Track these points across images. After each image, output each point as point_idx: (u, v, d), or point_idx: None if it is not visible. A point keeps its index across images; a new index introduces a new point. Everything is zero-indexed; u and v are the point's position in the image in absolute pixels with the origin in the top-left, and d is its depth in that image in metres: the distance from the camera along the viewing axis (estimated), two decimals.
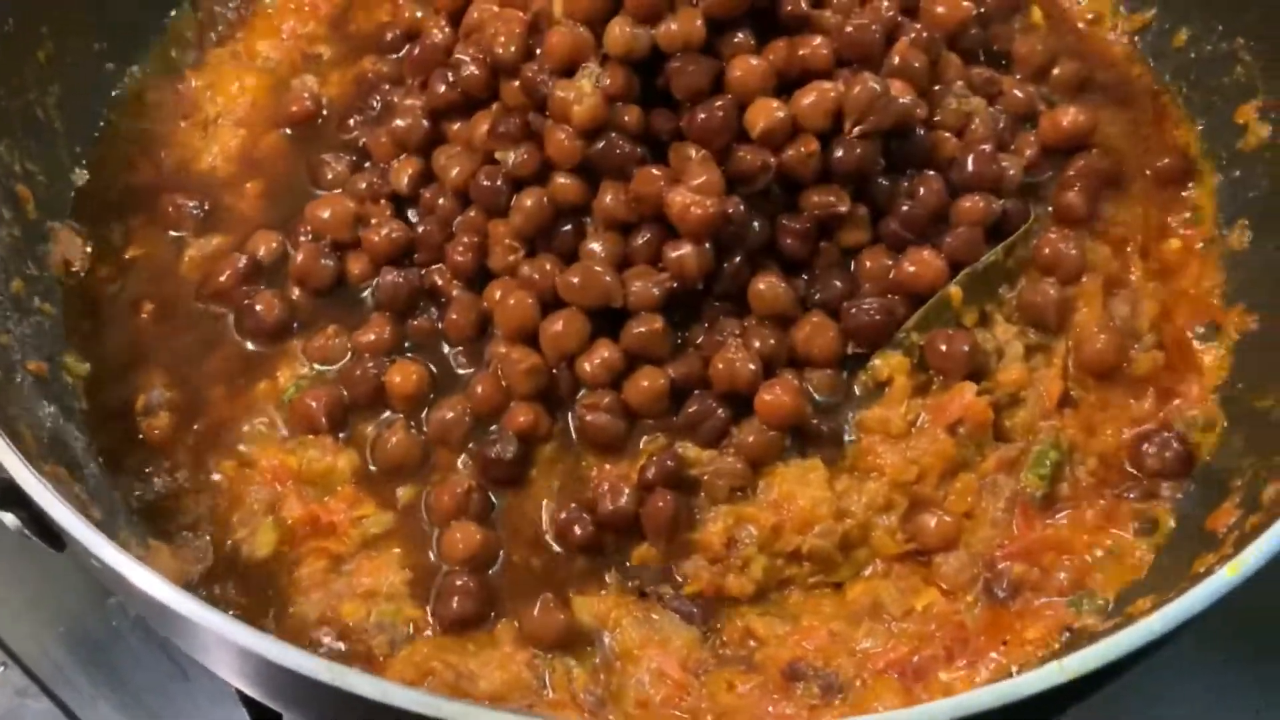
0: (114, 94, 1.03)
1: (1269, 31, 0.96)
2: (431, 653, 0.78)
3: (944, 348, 0.85)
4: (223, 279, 0.92)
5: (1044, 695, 0.60)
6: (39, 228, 0.93)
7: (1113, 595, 0.79)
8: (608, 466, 0.84)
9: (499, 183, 0.88)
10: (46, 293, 0.91)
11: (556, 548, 0.82)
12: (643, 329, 0.85)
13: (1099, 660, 0.59)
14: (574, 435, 0.86)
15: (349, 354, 0.89)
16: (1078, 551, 0.81)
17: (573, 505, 0.82)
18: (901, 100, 0.87)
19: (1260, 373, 0.86)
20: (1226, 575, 0.62)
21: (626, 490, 0.81)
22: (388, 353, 0.89)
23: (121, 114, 1.02)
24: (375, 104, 1.01)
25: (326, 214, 0.93)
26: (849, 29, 0.88)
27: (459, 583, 0.80)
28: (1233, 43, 0.98)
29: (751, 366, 0.83)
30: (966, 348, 0.85)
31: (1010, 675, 0.69)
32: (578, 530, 0.81)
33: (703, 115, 0.84)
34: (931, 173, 0.89)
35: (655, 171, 0.85)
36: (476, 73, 0.90)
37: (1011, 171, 0.92)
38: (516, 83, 0.88)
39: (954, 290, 0.86)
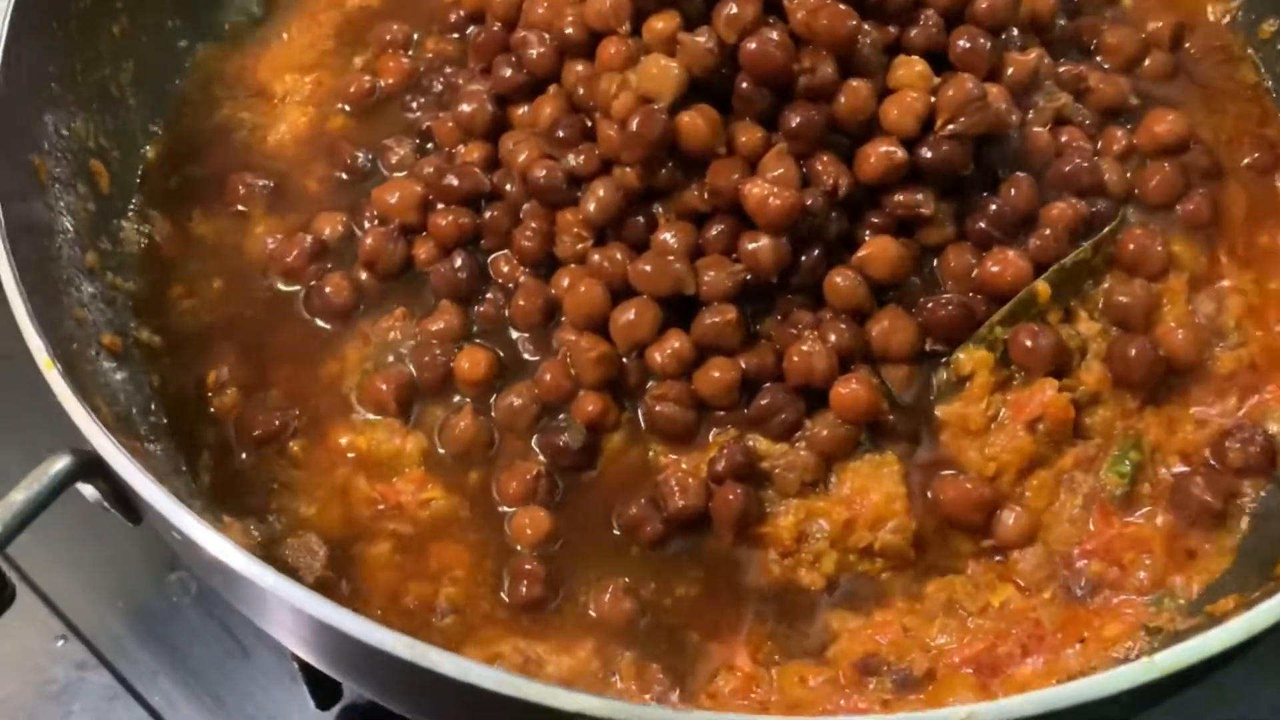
0: (185, 69, 1.03)
1: None
2: (500, 635, 0.78)
3: (1029, 343, 0.84)
4: (289, 259, 0.92)
5: (1131, 693, 0.59)
6: (113, 203, 0.94)
7: (1195, 594, 0.78)
8: (676, 458, 0.84)
9: (559, 178, 0.87)
10: (120, 267, 0.91)
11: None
12: (715, 319, 0.84)
13: (1192, 657, 0.59)
14: (643, 425, 0.85)
15: (417, 338, 0.89)
16: (1158, 550, 0.80)
17: (642, 501, 0.81)
18: (997, 106, 0.86)
19: None
20: None
21: (695, 486, 0.81)
22: (456, 339, 0.88)
23: (192, 90, 1.03)
24: (437, 85, 1.01)
25: (394, 198, 0.93)
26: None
27: (528, 567, 0.79)
28: None
29: (827, 360, 0.82)
30: (1052, 344, 0.83)
31: (1088, 673, 0.67)
32: (648, 528, 0.81)
33: (801, 118, 0.84)
34: (1023, 174, 0.88)
35: (731, 163, 0.84)
36: (542, 52, 0.90)
37: (1111, 176, 0.91)
38: (579, 66, 0.88)
39: (1041, 286, 0.85)
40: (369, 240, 0.91)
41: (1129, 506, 0.82)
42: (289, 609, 0.62)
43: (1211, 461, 0.83)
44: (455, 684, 0.59)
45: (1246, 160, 0.96)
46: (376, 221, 0.93)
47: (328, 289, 0.90)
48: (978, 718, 0.57)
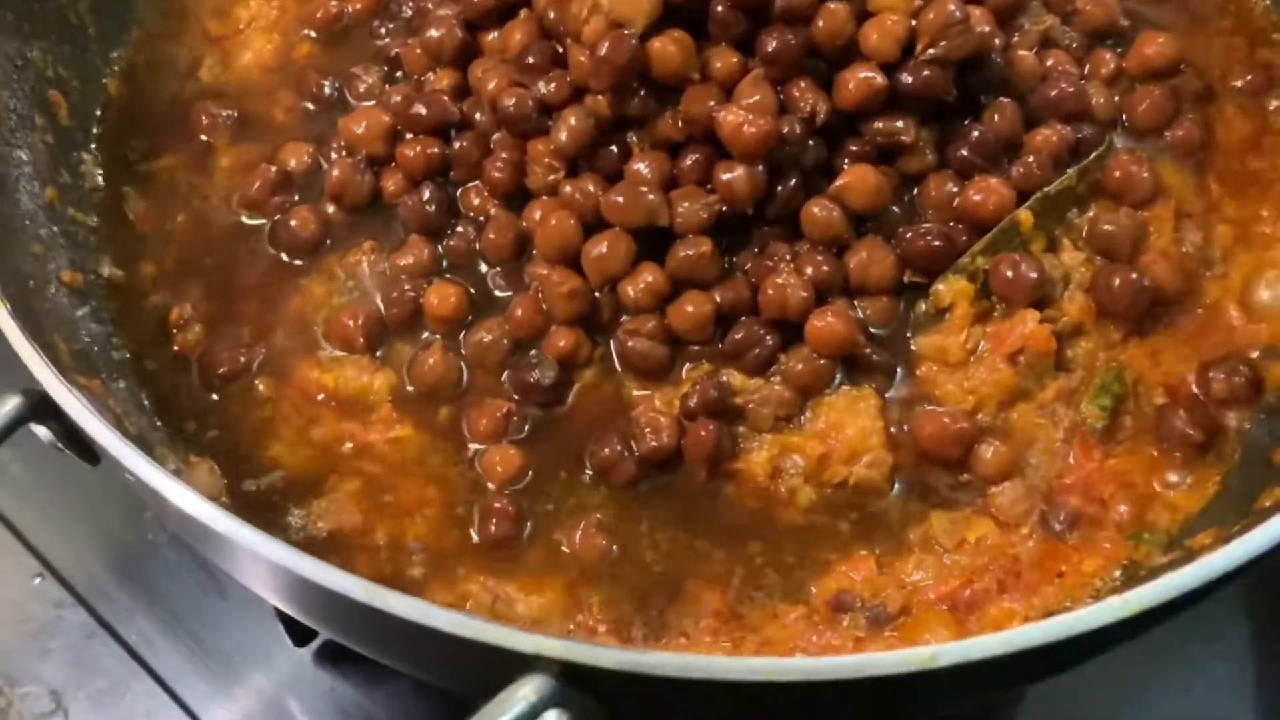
0: None
1: None
2: (469, 574, 0.77)
3: (1010, 274, 0.82)
4: (253, 190, 0.90)
5: (1104, 630, 0.57)
6: (72, 136, 0.91)
7: (1175, 529, 0.76)
8: (649, 394, 0.82)
9: (529, 107, 0.85)
10: (80, 202, 0.89)
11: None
12: (690, 252, 0.82)
13: (1163, 595, 0.57)
14: (616, 361, 0.83)
15: (386, 272, 0.87)
16: (1138, 485, 0.78)
17: (614, 441, 0.79)
18: (980, 29, 0.84)
19: None
20: None
21: (668, 425, 0.79)
22: (426, 274, 0.86)
23: (152, 18, 1.00)
24: (407, 10, 0.98)
25: (360, 128, 0.91)
26: None
27: (498, 505, 0.78)
28: None
29: (804, 293, 0.80)
30: (1034, 274, 0.81)
31: (1065, 609, 0.66)
32: (620, 469, 0.79)
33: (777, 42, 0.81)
34: (1006, 100, 0.86)
35: (706, 90, 0.82)
36: None
37: (1099, 101, 0.88)
38: None
39: (1024, 215, 0.83)
40: (335, 172, 0.89)
41: (1110, 440, 0.80)
42: (245, 551, 0.61)
43: (1196, 392, 0.81)
44: (412, 626, 0.57)
45: (1239, 83, 0.94)
46: (344, 153, 0.91)
47: (293, 222, 0.88)
48: (942, 658, 0.56)
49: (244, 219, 0.90)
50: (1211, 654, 0.96)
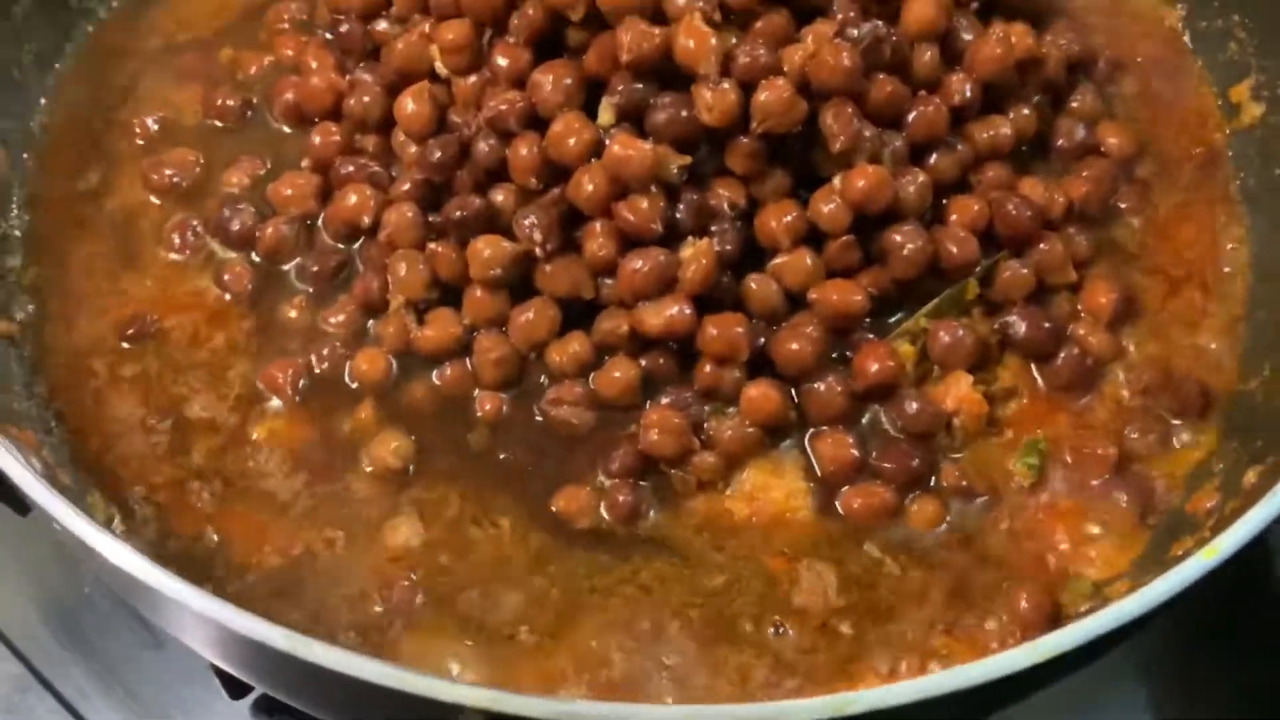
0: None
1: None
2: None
3: (947, 339, 0.84)
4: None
5: (1016, 677, 0.59)
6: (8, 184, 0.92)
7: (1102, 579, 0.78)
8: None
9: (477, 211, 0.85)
10: (11, 250, 0.90)
11: None
12: (612, 324, 0.83)
13: (1071, 643, 0.59)
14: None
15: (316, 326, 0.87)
16: (1064, 537, 0.80)
17: None
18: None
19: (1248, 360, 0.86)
20: (1203, 558, 0.62)
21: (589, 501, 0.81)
22: (355, 333, 0.87)
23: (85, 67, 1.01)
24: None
25: (289, 190, 0.91)
26: None
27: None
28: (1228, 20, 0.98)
29: (736, 374, 0.82)
30: (970, 342, 0.84)
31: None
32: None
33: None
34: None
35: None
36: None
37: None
38: None
39: (971, 284, 0.86)
40: (269, 230, 0.89)
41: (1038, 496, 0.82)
42: (175, 605, 0.61)
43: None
44: (337, 676, 0.58)
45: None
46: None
47: (226, 276, 0.89)
48: (854, 706, 0.57)
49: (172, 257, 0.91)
50: None
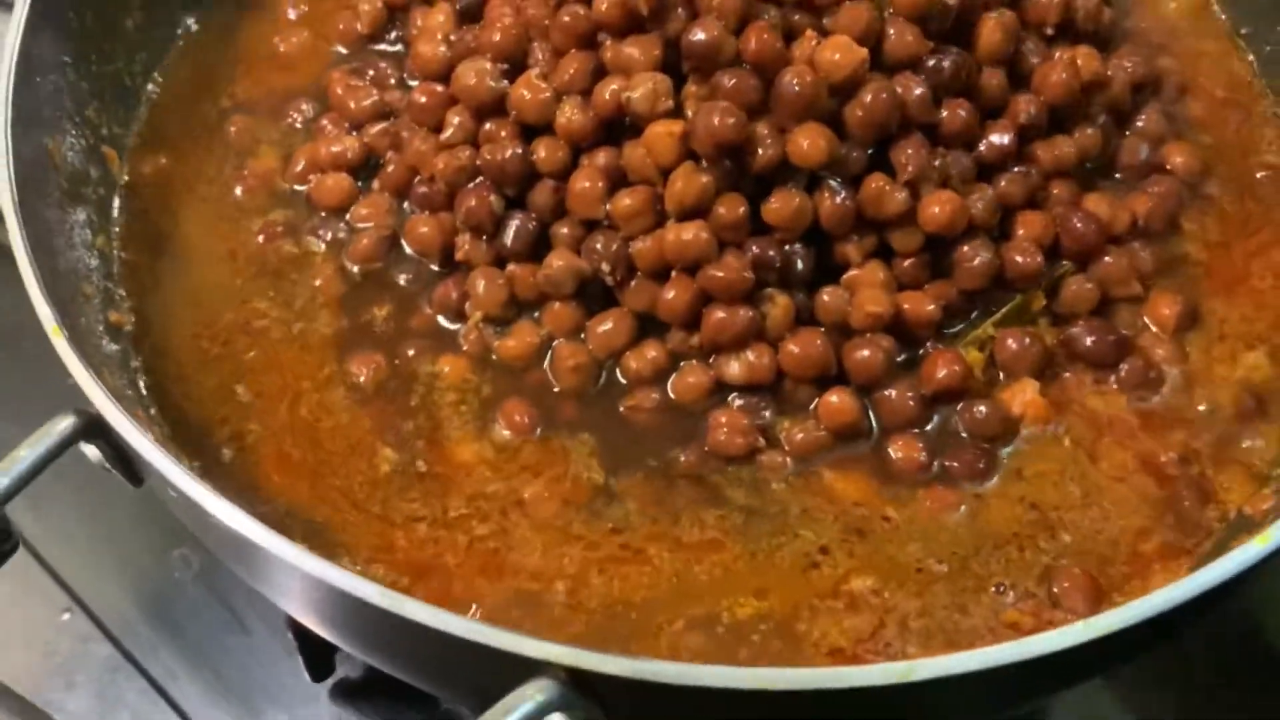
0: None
1: None
2: None
3: (1015, 347, 0.87)
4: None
5: (1068, 654, 0.62)
6: (121, 188, 0.97)
7: None
8: None
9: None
10: (126, 245, 0.94)
11: None
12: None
13: (1133, 618, 0.61)
14: None
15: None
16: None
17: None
18: None
19: None
20: (1257, 545, 0.64)
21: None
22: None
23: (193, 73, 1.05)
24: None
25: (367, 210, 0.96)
26: None
27: None
28: None
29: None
30: (1037, 350, 0.87)
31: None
32: None
33: None
34: None
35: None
36: None
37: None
38: None
39: (1037, 294, 0.89)
40: (364, 242, 0.93)
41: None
42: (279, 564, 0.65)
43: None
44: (429, 631, 0.62)
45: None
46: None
47: (317, 281, 0.93)
48: (917, 673, 0.60)
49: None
50: None
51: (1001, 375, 0.87)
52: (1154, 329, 0.90)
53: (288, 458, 0.84)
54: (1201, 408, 0.86)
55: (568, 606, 0.77)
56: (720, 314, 0.84)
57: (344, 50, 1.05)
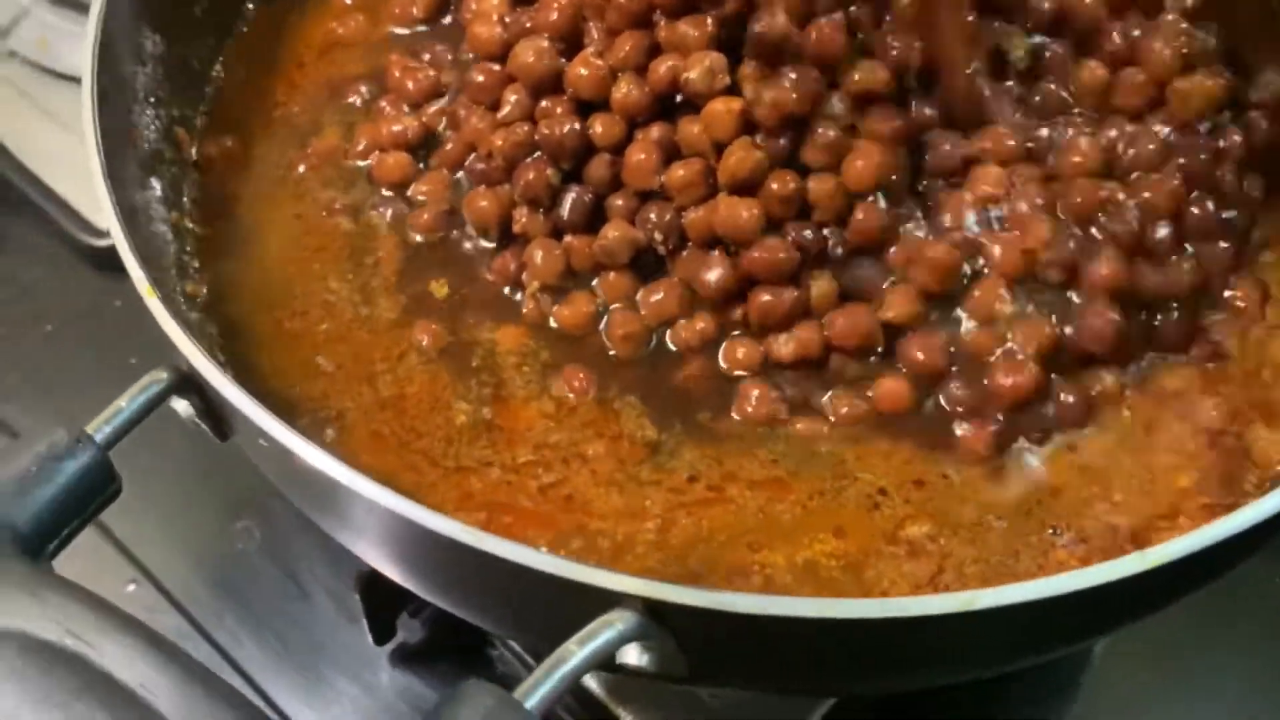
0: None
1: None
2: None
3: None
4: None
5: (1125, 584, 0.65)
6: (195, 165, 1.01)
7: None
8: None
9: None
10: (201, 221, 0.98)
11: None
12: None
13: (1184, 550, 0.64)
14: None
15: None
16: None
17: None
18: None
19: None
20: None
21: None
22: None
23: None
24: None
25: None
26: None
27: None
28: None
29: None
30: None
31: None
32: None
33: None
34: None
35: None
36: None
37: None
38: None
39: None
40: (425, 216, 0.96)
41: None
42: (365, 504, 0.69)
43: None
44: (512, 566, 0.65)
45: None
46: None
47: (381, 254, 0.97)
48: (979, 602, 0.63)
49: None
50: None
51: None
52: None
53: (378, 434, 0.87)
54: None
55: (654, 545, 0.80)
56: (766, 296, 0.87)
57: (401, 32, 1.08)
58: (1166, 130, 0.90)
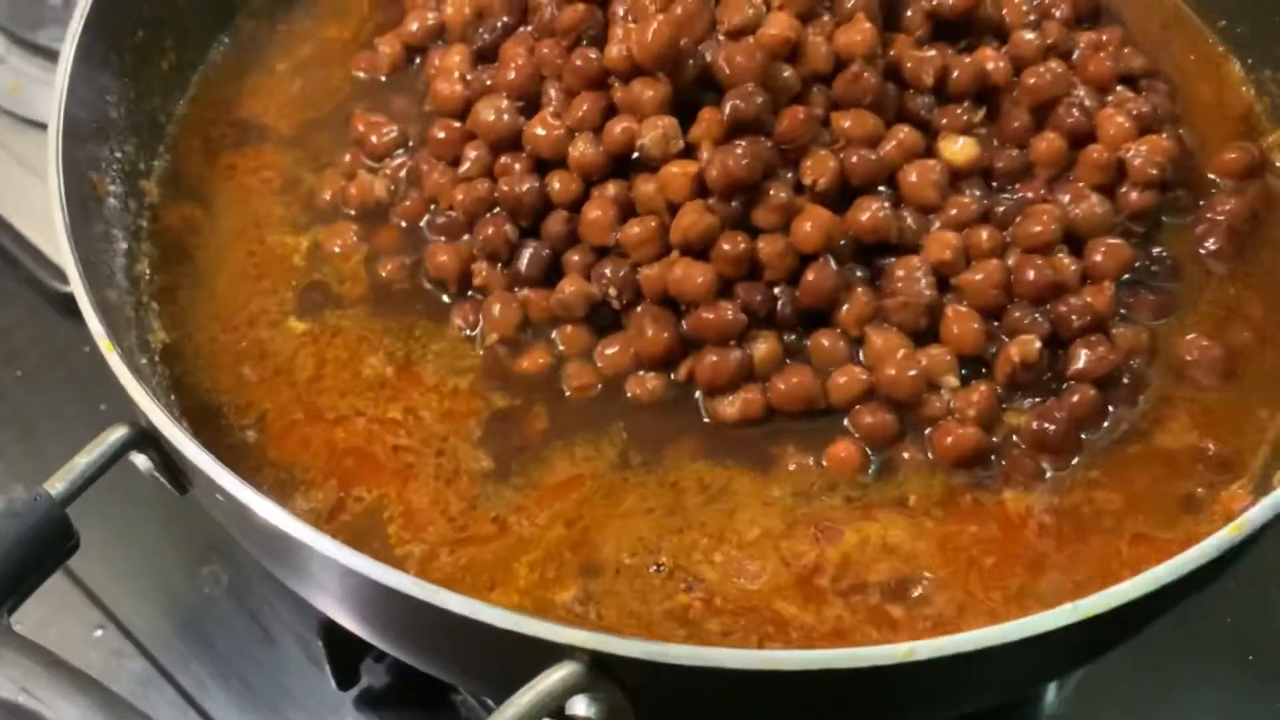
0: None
1: None
2: None
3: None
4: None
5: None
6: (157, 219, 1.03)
7: None
8: None
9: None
10: (161, 271, 1.00)
11: None
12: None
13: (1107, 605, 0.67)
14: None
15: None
16: None
17: None
18: None
19: None
20: (1228, 533, 0.69)
21: None
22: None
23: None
24: None
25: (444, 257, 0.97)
26: None
27: None
28: None
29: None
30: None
31: None
32: None
33: None
34: None
35: None
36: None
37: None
38: None
39: None
40: (442, 257, 0.96)
41: None
42: (323, 562, 0.70)
43: None
44: (462, 620, 0.67)
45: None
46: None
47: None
48: (918, 654, 0.65)
49: None
50: None
51: None
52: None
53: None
54: None
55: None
56: (713, 357, 0.89)
57: (365, 82, 1.11)
58: None
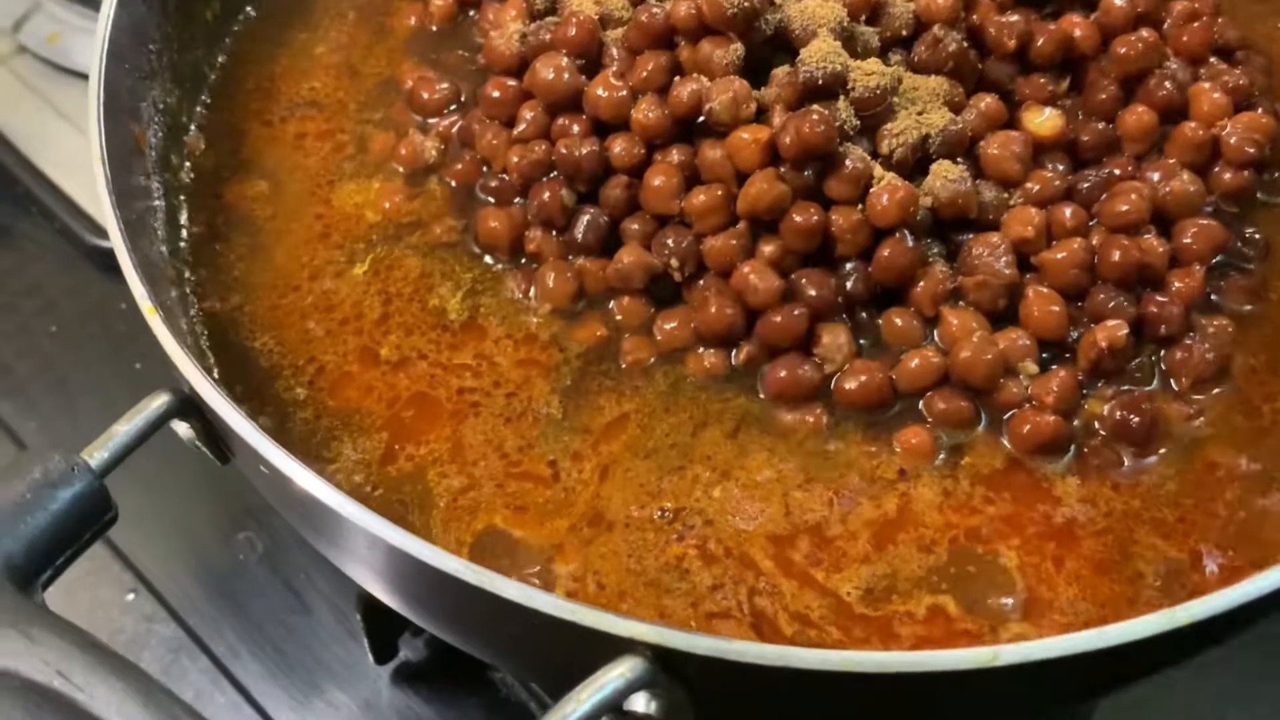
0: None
1: None
2: None
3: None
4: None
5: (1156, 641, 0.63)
6: (211, 173, 0.99)
7: None
8: None
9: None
10: (214, 233, 0.96)
11: None
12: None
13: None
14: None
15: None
16: None
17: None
18: None
19: None
20: None
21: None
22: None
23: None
24: None
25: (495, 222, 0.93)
26: None
27: None
28: None
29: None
30: None
31: None
32: None
33: None
34: None
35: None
36: None
37: None
38: None
39: None
40: (493, 222, 0.92)
41: None
42: (363, 536, 0.67)
43: None
44: (516, 608, 0.63)
45: None
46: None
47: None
48: (1003, 658, 0.61)
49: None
50: None
51: None
52: None
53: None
54: None
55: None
56: (782, 372, 0.84)
57: (415, 33, 1.06)
58: None
